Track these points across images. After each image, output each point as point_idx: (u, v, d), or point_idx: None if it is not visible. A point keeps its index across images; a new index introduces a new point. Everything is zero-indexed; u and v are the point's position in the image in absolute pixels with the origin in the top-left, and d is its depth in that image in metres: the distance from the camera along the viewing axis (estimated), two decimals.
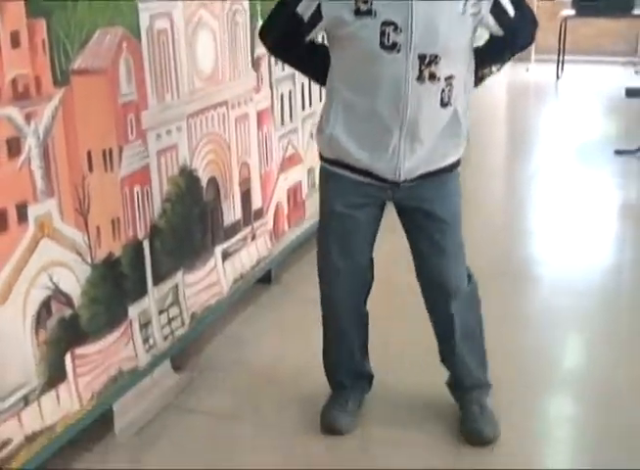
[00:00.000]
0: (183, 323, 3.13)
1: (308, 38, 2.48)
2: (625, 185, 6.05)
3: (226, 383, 3.12)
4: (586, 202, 5.59)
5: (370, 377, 2.93)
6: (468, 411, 2.75)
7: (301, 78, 3.93)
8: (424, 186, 2.53)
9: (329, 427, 2.77)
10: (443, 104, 2.41)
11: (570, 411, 3.00)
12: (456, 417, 2.80)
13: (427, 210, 2.57)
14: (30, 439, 2.37)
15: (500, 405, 2.85)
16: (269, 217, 3.86)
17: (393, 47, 2.31)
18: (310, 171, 4.27)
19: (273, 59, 3.61)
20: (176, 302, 3.09)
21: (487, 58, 2.61)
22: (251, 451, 2.71)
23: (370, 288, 2.79)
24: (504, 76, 10.12)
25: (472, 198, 5.84)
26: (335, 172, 2.58)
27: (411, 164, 2.46)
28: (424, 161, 2.48)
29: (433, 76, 2.35)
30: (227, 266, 3.47)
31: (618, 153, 6.79)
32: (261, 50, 3.34)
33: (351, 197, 2.57)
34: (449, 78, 2.38)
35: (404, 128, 2.40)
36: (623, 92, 6.81)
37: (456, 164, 2.60)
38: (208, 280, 3.32)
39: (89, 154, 2.54)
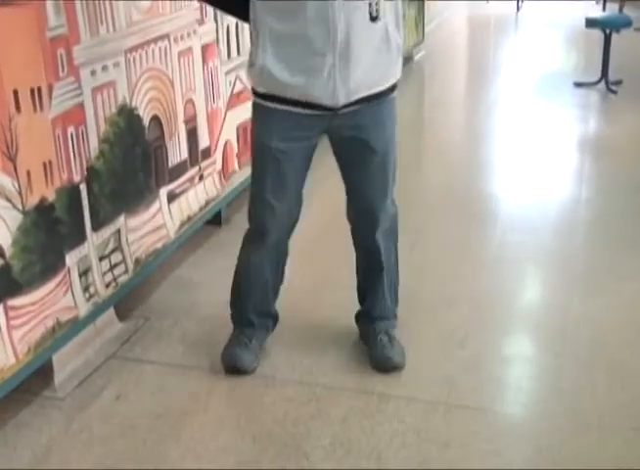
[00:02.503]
0: (127, 269, 3.00)
1: None
2: (584, 118, 5.98)
3: (174, 330, 3.01)
4: (545, 135, 5.51)
5: (276, 316, 2.87)
6: (377, 340, 2.75)
7: None
8: (361, 113, 2.46)
9: (232, 366, 2.70)
10: (372, 18, 2.34)
11: (525, 350, 2.95)
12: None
13: (362, 139, 2.51)
14: None
15: (456, 338, 2.83)
16: (218, 157, 3.70)
17: None
18: None
19: None
20: (119, 247, 2.95)
21: None
22: (204, 400, 2.61)
23: (296, 224, 2.73)
24: (464, 8, 9.96)
25: (428, 130, 5.79)
26: (270, 107, 2.47)
27: (348, 85, 2.38)
28: (361, 81, 2.40)
29: None
30: (173, 209, 3.33)
31: (578, 85, 6.70)
32: None
33: (289, 131, 2.48)
34: None
35: (337, 48, 2.31)
36: (584, 23, 6.69)
37: (393, 88, 2.54)
38: (153, 223, 3.18)
39: (15, 93, 2.36)
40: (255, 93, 2.52)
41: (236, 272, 2.80)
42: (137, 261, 3.06)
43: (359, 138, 2.51)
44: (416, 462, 2.30)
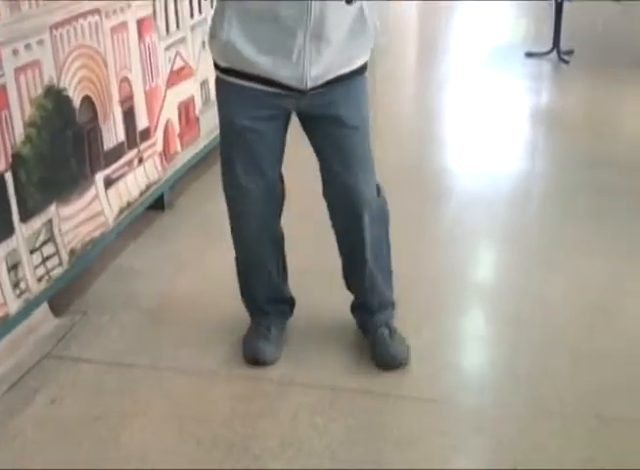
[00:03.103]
0: (61, 262, 2.81)
1: None
2: (537, 89, 5.89)
3: (114, 324, 2.84)
4: (497, 107, 5.42)
5: (291, 301, 2.73)
6: (377, 335, 2.59)
7: None
8: (331, 92, 2.33)
9: (254, 359, 2.57)
10: (348, 1, 2.18)
11: (481, 335, 2.84)
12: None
13: (334, 115, 2.37)
14: None
15: (411, 324, 2.71)
16: (158, 138, 3.52)
17: None
18: (204, 85, 3.93)
19: None
20: (51, 238, 2.76)
21: None
22: (145, 401, 2.45)
23: (282, 206, 2.58)
24: None
25: (380, 104, 5.64)
26: (233, 83, 2.33)
27: (318, 69, 2.24)
28: (332, 64, 2.27)
29: None
30: (111, 195, 3.14)
31: (530, 55, 6.60)
32: None
33: (254, 109, 2.33)
34: None
35: (309, 29, 2.17)
36: None
37: (365, 67, 2.41)
38: (89, 211, 3.00)
39: None
40: (218, 67, 2.36)
41: (236, 261, 2.65)
42: (72, 252, 2.88)
43: (331, 115, 2.37)
44: (370, 461, 2.17)
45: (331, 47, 2.23)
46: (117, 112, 3.16)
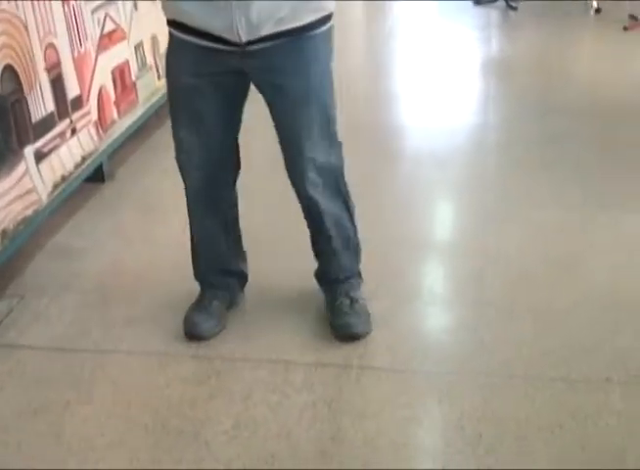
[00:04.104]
0: None
1: None
2: (486, 38, 5.77)
3: (54, 307, 2.67)
4: (447, 58, 5.29)
5: (241, 275, 2.59)
6: (337, 304, 2.47)
7: None
8: (276, 53, 2.12)
9: (189, 333, 2.45)
10: None
11: (441, 298, 2.72)
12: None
13: (276, 84, 2.18)
14: None
15: (368, 289, 2.57)
16: (92, 106, 3.33)
17: None
18: (138, 48, 3.74)
19: None
20: None
21: None
22: (89, 388, 2.29)
23: (236, 175, 2.42)
24: None
25: None
26: (179, 38, 2.19)
27: (250, 17, 2.02)
28: (268, 14, 2.04)
29: None
30: (43, 169, 2.95)
31: (478, 2, 6.46)
32: None
33: (197, 65, 2.19)
34: None
35: None
36: None
37: (321, 22, 2.17)
38: (20, 188, 2.81)
39: None
40: (167, 21, 2.22)
41: (190, 229, 2.50)
42: (4, 233, 2.70)
43: (273, 83, 2.19)
44: (329, 438, 2.06)
45: None
46: (44, 80, 2.96)
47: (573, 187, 3.35)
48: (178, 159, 2.36)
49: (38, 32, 2.91)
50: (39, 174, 2.92)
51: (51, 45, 3.01)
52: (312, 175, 2.31)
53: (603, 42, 5.61)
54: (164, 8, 2.20)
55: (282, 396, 2.21)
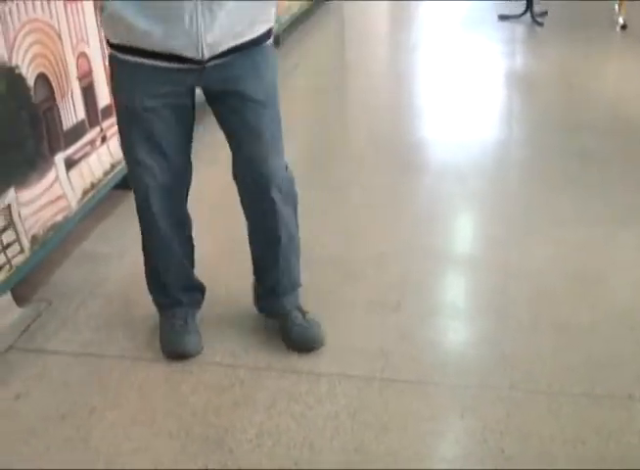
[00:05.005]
0: (22, 249, 2.68)
1: None
2: (511, 53, 5.78)
3: (81, 313, 2.71)
4: (471, 72, 5.30)
5: (201, 287, 2.62)
6: (290, 318, 2.49)
7: None
8: (233, 65, 2.18)
9: (177, 352, 2.45)
10: None
11: (464, 312, 2.74)
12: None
13: (238, 90, 2.22)
14: None
15: (391, 302, 2.61)
16: None
17: None
18: None
19: None
20: (10, 225, 2.62)
21: None
22: (115, 394, 2.33)
23: (188, 189, 2.44)
24: None
25: (350, 72, 5.50)
26: (127, 60, 2.16)
27: (214, 35, 2.07)
28: (229, 29, 2.10)
29: None
30: (73, 176, 3.00)
31: (503, 18, 6.48)
32: None
33: (152, 87, 2.18)
34: None
35: None
36: None
37: (268, 34, 2.25)
38: (51, 195, 2.86)
39: None
40: (111, 45, 2.19)
41: (144, 252, 2.51)
42: (34, 239, 2.74)
43: (234, 91, 2.22)
44: (352, 449, 2.08)
45: (224, 9, 2.05)
46: (76, 88, 3.01)
47: (596, 203, 3.36)
48: (133, 181, 2.36)
49: (71, 41, 2.96)
50: (69, 181, 2.97)
51: (83, 54, 3.05)
52: (279, 182, 2.34)
53: (628, 59, 5.61)
54: (113, 34, 2.16)
55: (305, 406, 2.24)
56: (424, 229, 3.21)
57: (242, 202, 2.43)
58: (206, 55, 2.09)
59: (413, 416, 2.18)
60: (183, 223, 2.48)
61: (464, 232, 3.35)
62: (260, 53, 2.22)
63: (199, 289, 2.61)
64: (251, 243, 2.51)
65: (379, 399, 2.25)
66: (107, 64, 3.17)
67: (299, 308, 2.53)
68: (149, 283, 2.55)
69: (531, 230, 3.16)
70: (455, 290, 2.91)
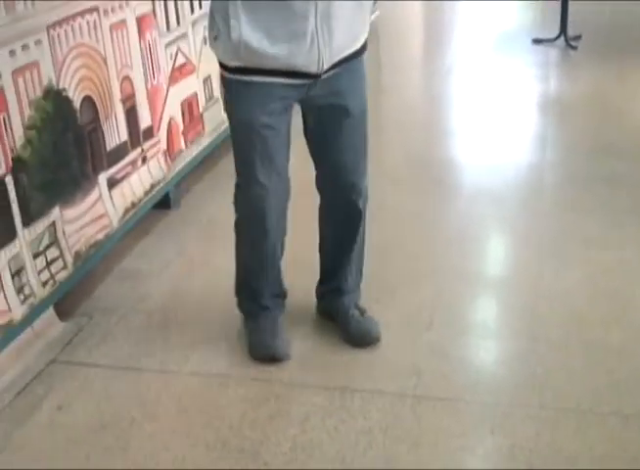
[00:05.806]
0: (65, 265, 2.77)
1: None
2: (545, 76, 5.80)
3: (121, 328, 2.79)
4: (505, 95, 5.34)
5: (286, 293, 2.73)
6: (349, 315, 2.64)
7: None
8: (338, 77, 2.33)
9: (270, 356, 2.54)
10: None
11: (496, 331, 2.78)
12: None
13: (340, 105, 2.38)
14: None
15: (423, 321, 2.69)
16: (161, 136, 3.47)
17: None
18: (206, 81, 3.88)
19: None
20: (55, 242, 2.72)
21: None
22: (154, 406, 2.40)
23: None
24: None
25: (385, 94, 5.57)
26: (247, 81, 2.29)
27: (332, 48, 2.24)
28: (342, 42, 2.27)
29: None
30: (115, 195, 3.10)
31: (537, 42, 6.52)
32: None
33: (269, 104, 2.31)
34: None
35: (318, 9, 2.16)
36: None
37: (365, 46, 2.42)
38: (93, 213, 2.95)
39: None
40: (226, 68, 2.31)
41: (241, 262, 2.63)
42: (77, 255, 2.84)
43: (338, 104, 2.37)
44: (383, 464, 2.13)
45: (339, 25, 2.21)
46: (119, 111, 3.11)
47: (628, 228, 3.37)
48: (247, 198, 2.46)
49: (116, 65, 3.06)
50: (111, 200, 3.07)
51: (127, 78, 3.16)
52: (364, 187, 2.54)
53: None
54: (234, 57, 2.25)
55: (338, 420, 2.29)
56: (456, 250, 3.25)
57: (325, 209, 2.61)
58: (326, 68, 2.24)
59: (444, 432, 2.22)
60: (284, 233, 2.59)
61: (495, 254, 3.39)
62: (360, 64, 2.40)
63: (285, 295, 2.72)
64: (323, 247, 2.69)
65: (411, 416, 2.30)
66: (149, 86, 3.30)
67: (359, 306, 2.67)
68: (239, 291, 2.68)
69: (562, 252, 3.19)
70: (486, 310, 2.95)
